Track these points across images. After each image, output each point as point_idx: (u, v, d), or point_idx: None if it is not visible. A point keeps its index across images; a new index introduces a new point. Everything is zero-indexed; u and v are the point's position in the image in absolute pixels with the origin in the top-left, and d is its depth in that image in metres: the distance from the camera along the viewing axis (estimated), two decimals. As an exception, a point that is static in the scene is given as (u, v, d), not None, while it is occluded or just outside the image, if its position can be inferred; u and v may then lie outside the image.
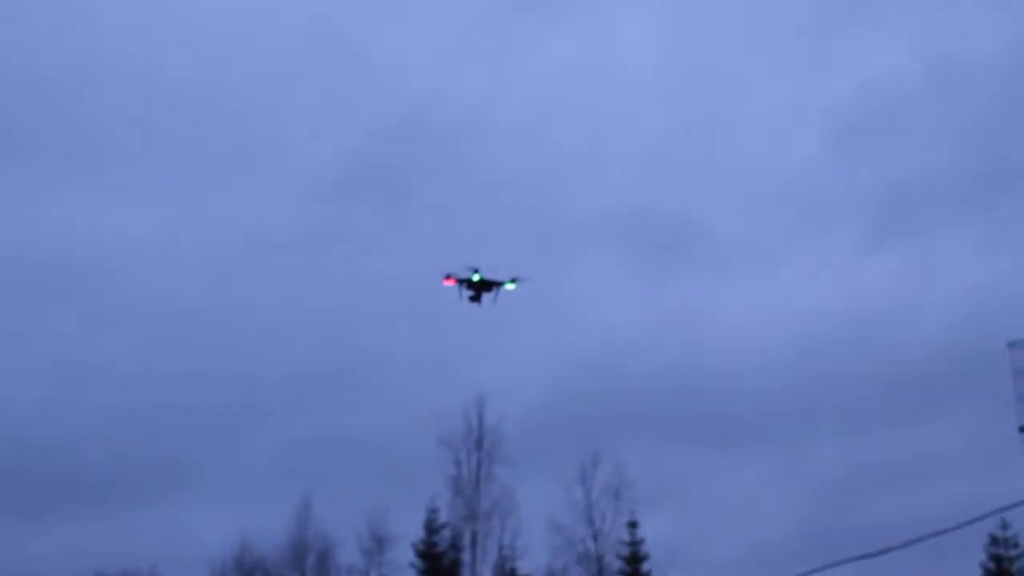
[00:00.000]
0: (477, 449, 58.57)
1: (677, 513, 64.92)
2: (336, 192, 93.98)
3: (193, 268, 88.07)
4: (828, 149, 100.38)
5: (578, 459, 58.30)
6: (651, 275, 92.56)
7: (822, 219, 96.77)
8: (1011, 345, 32.30)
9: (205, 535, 64.07)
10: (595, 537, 57.95)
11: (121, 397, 77.08)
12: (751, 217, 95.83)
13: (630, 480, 57.89)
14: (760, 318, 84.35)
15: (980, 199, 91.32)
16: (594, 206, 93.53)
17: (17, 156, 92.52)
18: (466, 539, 58.59)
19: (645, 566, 60.20)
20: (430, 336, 69.74)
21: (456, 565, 59.83)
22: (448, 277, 49.80)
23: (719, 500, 68.76)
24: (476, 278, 49.53)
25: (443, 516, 60.77)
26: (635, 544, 60.29)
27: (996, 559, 59.84)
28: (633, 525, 59.91)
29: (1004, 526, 59.32)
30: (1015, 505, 31.57)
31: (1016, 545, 59.88)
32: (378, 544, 60.80)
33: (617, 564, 59.37)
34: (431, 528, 61.49)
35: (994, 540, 59.82)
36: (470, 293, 50.09)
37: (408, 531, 61.09)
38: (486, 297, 50.08)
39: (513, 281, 50.07)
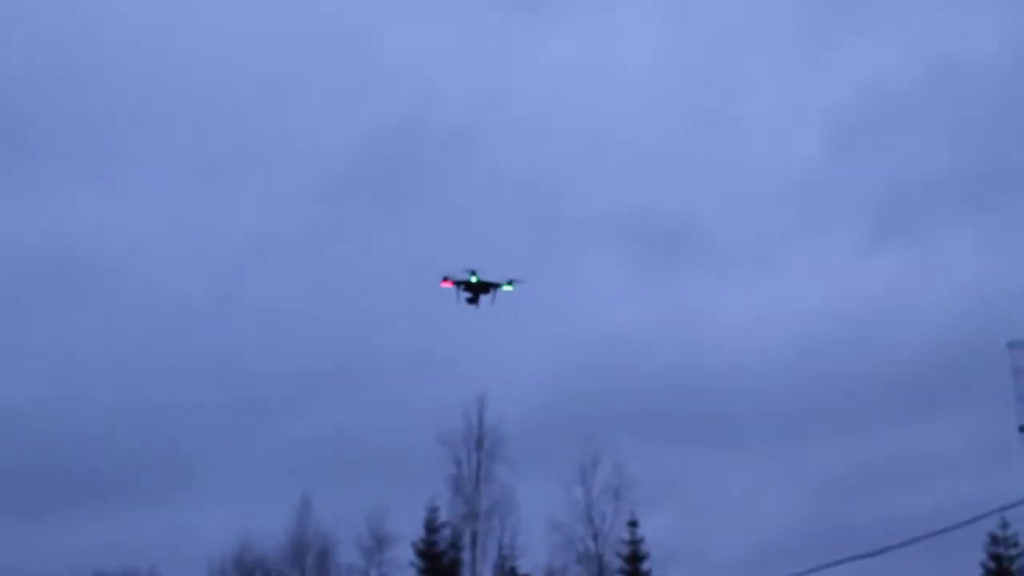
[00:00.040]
0: (477, 448, 58.64)
1: (677, 512, 64.95)
2: (338, 191, 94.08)
3: (194, 267, 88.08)
4: (828, 149, 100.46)
5: (578, 458, 58.33)
6: (651, 275, 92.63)
7: (822, 219, 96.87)
8: (1011, 345, 32.39)
9: (205, 534, 64.04)
10: (595, 536, 58.00)
11: (120, 396, 77.17)
12: (751, 217, 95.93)
13: (630, 479, 57.95)
14: (760, 317, 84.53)
15: (980, 199, 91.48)
16: (594, 206, 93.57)
17: (21, 154, 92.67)
18: (466, 538, 58.69)
19: (645, 565, 60.19)
20: (430, 335, 69.74)
21: (456, 564, 59.85)
22: (446, 279, 49.88)
23: (719, 499, 68.88)
24: (474, 280, 49.60)
25: (443, 515, 60.86)
26: (635, 543, 60.29)
27: (996, 558, 59.86)
28: (633, 524, 59.94)
29: (1004, 525, 59.40)
30: (1015, 504, 31.65)
31: (1016, 544, 59.90)
32: (378, 543, 60.80)
33: (617, 563, 59.43)
34: (431, 527, 61.49)
35: (994, 539, 59.85)
36: (468, 295, 50.20)
37: (408, 530, 61.15)
38: (484, 299, 50.20)
39: (510, 283, 50.14)
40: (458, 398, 59.11)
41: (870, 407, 72.54)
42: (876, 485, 70.22)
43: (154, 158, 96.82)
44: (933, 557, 37.09)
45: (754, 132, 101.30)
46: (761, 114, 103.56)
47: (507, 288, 50.15)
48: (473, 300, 50.16)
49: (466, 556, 58.65)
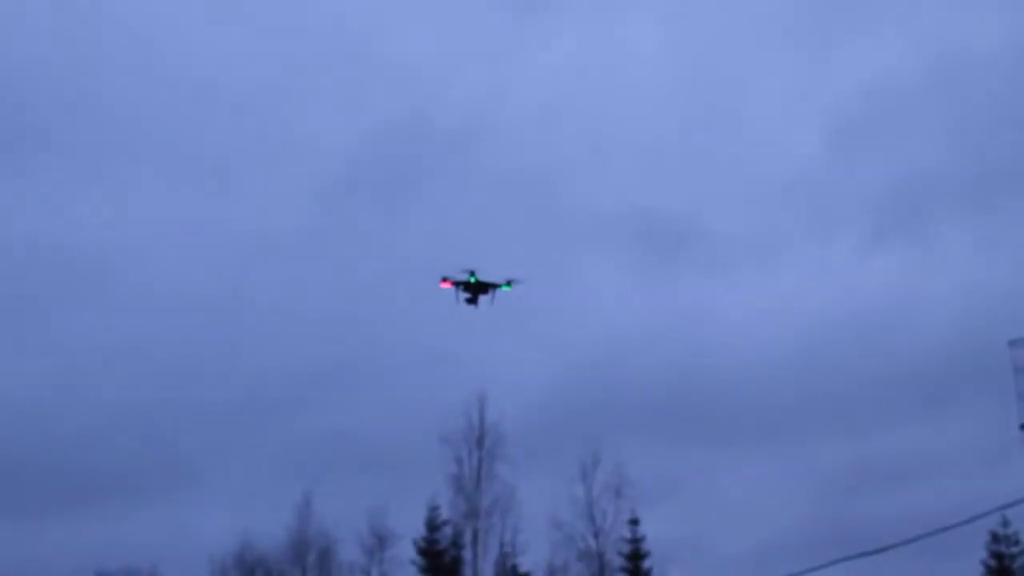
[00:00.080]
0: (478, 447, 58.67)
1: (678, 511, 64.96)
2: (339, 190, 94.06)
3: (195, 266, 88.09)
4: (829, 148, 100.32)
5: (579, 456, 58.41)
6: (652, 273, 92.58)
7: (823, 218, 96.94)
8: (1012, 343, 32.34)
9: (206, 532, 64.07)
10: (596, 534, 58.06)
11: (121, 395, 77.34)
12: (752, 216, 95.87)
13: (631, 478, 58.03)
14: (761, 316, 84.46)
15: (981, 198, 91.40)
16: (595, 205, 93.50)
17: (24, 153, 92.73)
18: (467, 536, 58.73)
19: (646, 563, 60.27)
20: (431, 334, 69.67)
21: (457, 562, 59.90)
22: (445, 280, 49.92)
23: (720, 498, 68.91)
24: (472, 280, 49.65)
25: (444, 513, 60.94)
26: (636, 541, 60.36)
27: (997, 556, 59.95)
28: (634, 522, 60.02)
29: (1005, 523, 59.53)
30: (1016, 503, 31.61)
31: (1017, 542, 60.00)
32: (379, 541, 60.86)
33: (618, 561, 59.51)
34: (432, 525, 61.55)
35: (995, 537, 59.96)
36: (467, 295, 50.24)
37: (409, 528, 61.21)
38: (483, 299, 50.22)
39: (509, 283, 50.19)
40: (459, 396, 59.22)
41: (871, 405, 72.66)
42: (877, 484, 70.37)
43: (156, 157, 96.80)
44: (934, 555, 37.08)
45: (755, 131, 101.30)
46: (762, 113, 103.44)
47: (506, 288, 50.21)
48: (472, 300, 50.23)
49: (467, 554, 58.76)
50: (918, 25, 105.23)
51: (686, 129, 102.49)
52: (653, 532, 60.34)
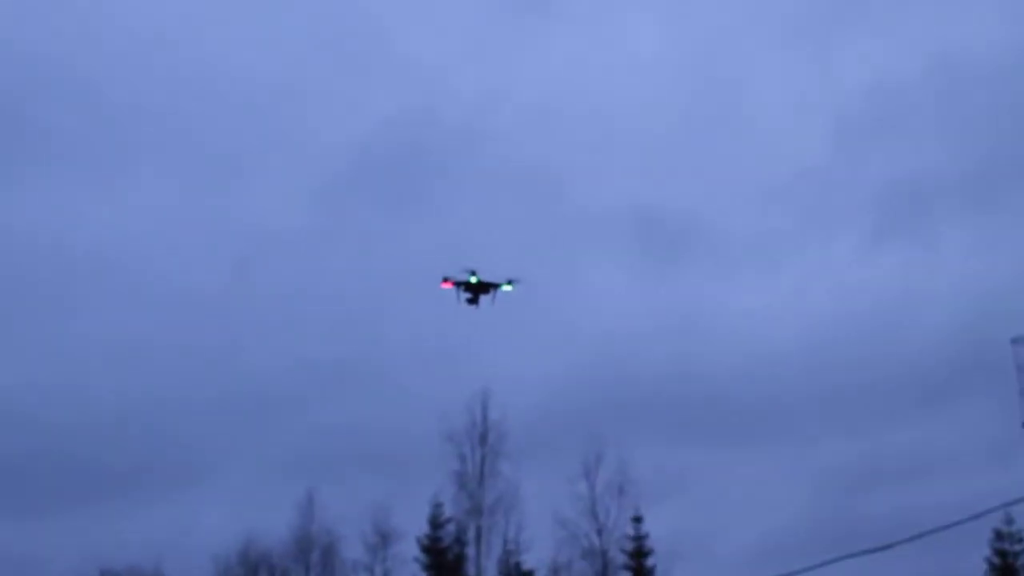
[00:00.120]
0: (481, 444, 58.68)
1: (681, 508, 64.96)
2: (343, 187, 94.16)
3: (199, 263, 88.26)
4: (831, 147, 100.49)
5: (582, 454, 58.41)
6: (654, 272, 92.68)
7: (825, 217, 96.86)
8: (1015, 341, 32.40)
9: (209, 530, 64.22)
10: (599, 532, 58.07)
11: (124, 393, 77.26)
12: (756, 215, 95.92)
13: (634, 475, 58.05)
14: (763, 315, 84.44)
15: (982, 196, 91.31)
16: (598, 204, 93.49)
17: (31, 152, 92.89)
18: (470, 534, 58.71)
19: (649, 561, 60.31)
20: (435, 331, 69.76)
21: (460, 560, 59.96)
22: (446, 280, 49.95)
23: (723, 495, 68.83)
24: (473, 280, 49.69)
25: (447, 511, 61.00)
26: (639, 539, 60.41)
27: (1000, 553, 59.91)
28: (637, 520, 60.09)
29: (1008, 521, 59.45)
30: (1019, 500, 31.67)
31: (1020, 540, 59.95)
32: (382, 539, 60.96)
33: (621, 559, 59.51)
34: (435, 523, 61.64)
35: (998, 535, 59.92)
36: (468, 295, 50.29)
37: (412, 526, 61.33)
38: (484, 299, 50.27)
39: (510, 282, 50.25)
40: (462, 394, 59.19)
41: (874, 403, 72.65)
42: (880, 481, 70.29)
43: (159, 154, 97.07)
44: (937, 553, 37.05)
45: (757, 130, 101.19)
46: (764, 112, 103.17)
47: (507, 288, 50.27)
48: (473, 300, 50.30)
49: (470, 551, 58.75)
50: (923, 25, 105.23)
51: (688, 128, 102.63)
52: (656, 530, 60.47)
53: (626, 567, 59.83)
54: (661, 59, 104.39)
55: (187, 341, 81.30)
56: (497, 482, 58.14)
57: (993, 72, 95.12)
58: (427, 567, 61.17)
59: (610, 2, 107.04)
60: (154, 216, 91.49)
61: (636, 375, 76.69)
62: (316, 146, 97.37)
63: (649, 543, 60.40)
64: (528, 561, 59.81)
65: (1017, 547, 59.93)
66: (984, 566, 59.88)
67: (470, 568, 58.60)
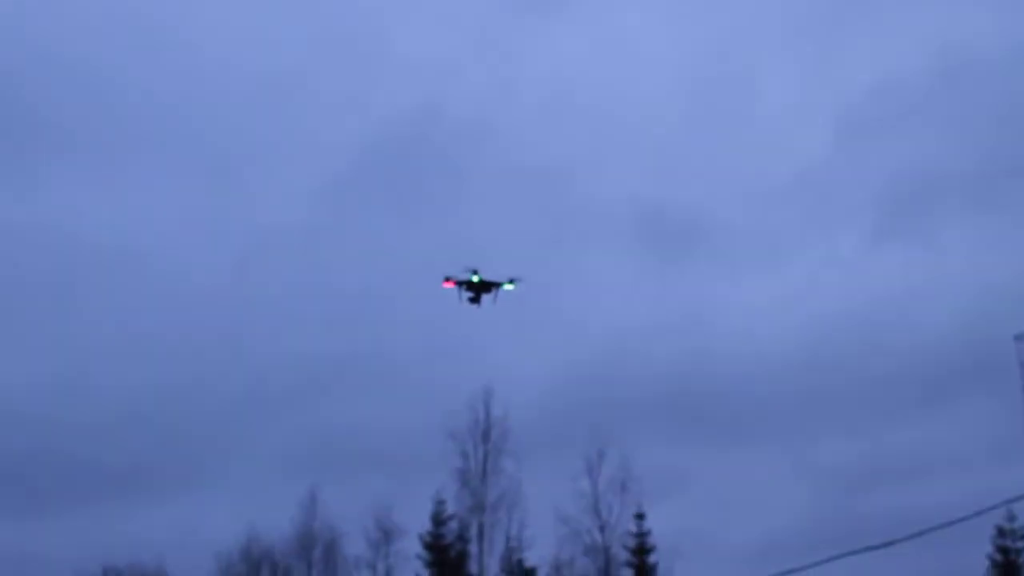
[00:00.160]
0: (484, 441, 58.76)
1: (684, 505, 65.07)
2: (347, 184, 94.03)
3: (202, 260, 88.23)
4: (835, 145, 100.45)
5: (585, 451, 58.55)
6: (658, 269, 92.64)
7: (829, 215, 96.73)
8: (1017, 338, 32.38)
9: (212, 527, 64.21)
10: (602, 528, 58.15)
11: (126, 391, 77.34)
12: (760, 213, 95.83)
13: (636, 472, 58.15)
14: (766, 312, 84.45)
15: (986, 194, 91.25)
16: (602, 201, 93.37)
17: (37, 150, 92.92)
18: (473, 531, 58.81)
19: (652, 557, 60.37)
20: (438, 329, 69.69)
21: (463, 557, 60.02)
22: (447, 279, 49.97)
23: (726, 492, 68.79)
24: (475, 279, 49.70)
25: (450, 508, 61.06)
26: (642, 535, 60.47)
27: (1003, 550, 59.88)
28: (640, 517, 60.15)
29: (1011, 518, 59.47)
30: (1022, 497, 31.63)
31: (1023, 537, 59.93)
32: (385, 536, 61.03)
33: (624, 555, 59.60)
34: (438, 520, 61.66)
35: (1001, 532, 59.87)
36: (469, 295, 50.26)
37: (415, 523, 61.36)
38: (485, 298, 50.25)
39: (511, 282, 50.22)
40: (465, 391, 59.37)
41: (876, 400, 72.62)
42: (883, 478, 70.26)
43: (166, 150, 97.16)
44: (940, 550, 37.02)
45: (761, 128, 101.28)
46: (768, 110, 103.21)
47: (508, 287, 50.23)
48: (475, 300, 50.25)
49: (473, 548, 58.83)
50: (924, 23, 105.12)
51: (692, 125, 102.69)
52: (659, 527, 60.57)
53: (628, 564, 59.88)
54: (667, 56, 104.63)
55: (190, 338, 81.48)
56: (500, 479, 58.31)
57: (994, 71, 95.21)
58: (429, 564, 61.20)
59: (615, 0, 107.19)
60: (157, 213, 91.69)
61: (639, 372, 76.85)
62: (320, 143, 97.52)
63: (651, 540, 60.55)
64: (530, 558, 60.05)
65: (1019, 544, 59.88)
66: (986, 563, 59.91)
67: (472, 565, 58.67)
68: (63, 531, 66.72)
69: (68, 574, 62.36)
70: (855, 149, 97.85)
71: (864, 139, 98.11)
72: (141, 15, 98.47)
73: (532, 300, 55.81)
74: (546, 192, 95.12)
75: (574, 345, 78.98)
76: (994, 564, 59.85)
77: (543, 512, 57.66)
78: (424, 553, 61.37)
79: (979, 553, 59.44)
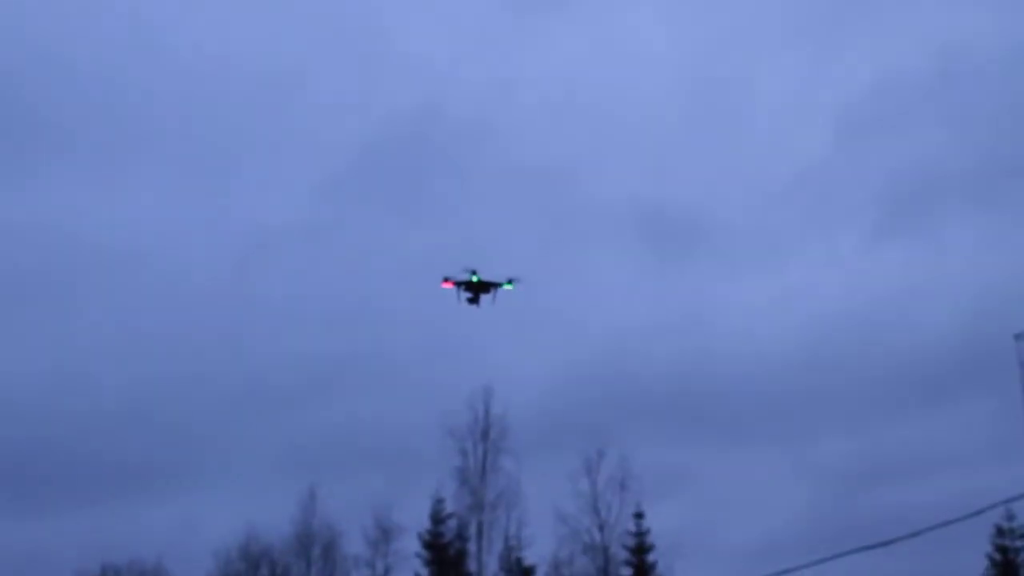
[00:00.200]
0: (483, 440, 58.69)
1: (683, 504, 65.16)
2: (347, 183, 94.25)
3: (201, 259, 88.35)
4: (835, 144, 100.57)
5: (584, 450, 58.51)
6: (658, 268, 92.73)
7: (829, 213, 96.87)
8: (1018, 337, 32.31)
9: (211, 525, 64.38)
10: (601, 528, 58.09)
11: (126, 389, 77.48)
12: (760, 212, 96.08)
13: (635, 471, 58.10)
14: (766, 311, 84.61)
15: (986, 193, 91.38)
16: (602, 200, 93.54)
17: (37, 150, 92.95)
18: (472, 529, 58.75)
19: (651, 557, 60.31)
20: (437, 327, 69.73)
21: (462, 555, 59.98)
22: (446, 280, 49.96)
23: (725, 491, 68.90)
24: (474, 280, 49.69)
25: (449, 506, 61.00)
26: (641, 535, 60.44)
27: (1002, 550, 59.89)
28: (639, 516, 60.14)
29: (1010, 517, 59.53)
30: (1021, 496, 31.60)
31: (1022, 536, 59.92)
32: (384, 534, 60.97)
33: (623, 555, 59.55)
34: (437, 518, 61.62)
35: (1000, 531, 59.90)
36: (468, 295, 50.26)
37: (414, 521, 61.30)
38: (484, 298, 50.25)
39: (510, 282, 50.21)
40: (464, 389, 59.33)
41: (876, 399, 72.71)
42: (882, 477, 70.37)
43: (165, 149, 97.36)
44: (939, 549, 37.02)
45: (761, 127, 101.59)
46: (768, 109, 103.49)
47: (507, 287, 50.23)
48: (474, 300, 50.26)
49: (472, 547, 58.78)
50: (924, 22, 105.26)
51: (692, 125, 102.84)
52: (658, 526, 60.53)
53: (627, 563, 59.87)
54: (668, 55, 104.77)
55: (190, 337, 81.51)
56: (499, 478, 58.24)
57: (995, 70, 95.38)
58: (428, 563, 61.17)
59: (615, 0, 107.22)
60: (157, 213, 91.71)
61: (638, 371, 76.91)
62: (320, 142, 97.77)
63: (650, 539, 60.51)
64: (529, 557, 59.99)
65: (1018, 543, 59.89)
66: (985, 562, 59.93)
67: (471, 564, 58.64)
68: (63, 529, 66.91)
69: (68, 572, 62.60)
70: (855, 148, 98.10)
71: (864, 138, 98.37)
72: (141, 15, 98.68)
73: (532, 300, 55.90)
74: (546, 192, 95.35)
75: (574, 344, 79.15)
76: (993, 563, 59.86)
77: (542, 511, 57.74)
78: (423, 552, 61.34)
79: (978, 552, 59.57)
